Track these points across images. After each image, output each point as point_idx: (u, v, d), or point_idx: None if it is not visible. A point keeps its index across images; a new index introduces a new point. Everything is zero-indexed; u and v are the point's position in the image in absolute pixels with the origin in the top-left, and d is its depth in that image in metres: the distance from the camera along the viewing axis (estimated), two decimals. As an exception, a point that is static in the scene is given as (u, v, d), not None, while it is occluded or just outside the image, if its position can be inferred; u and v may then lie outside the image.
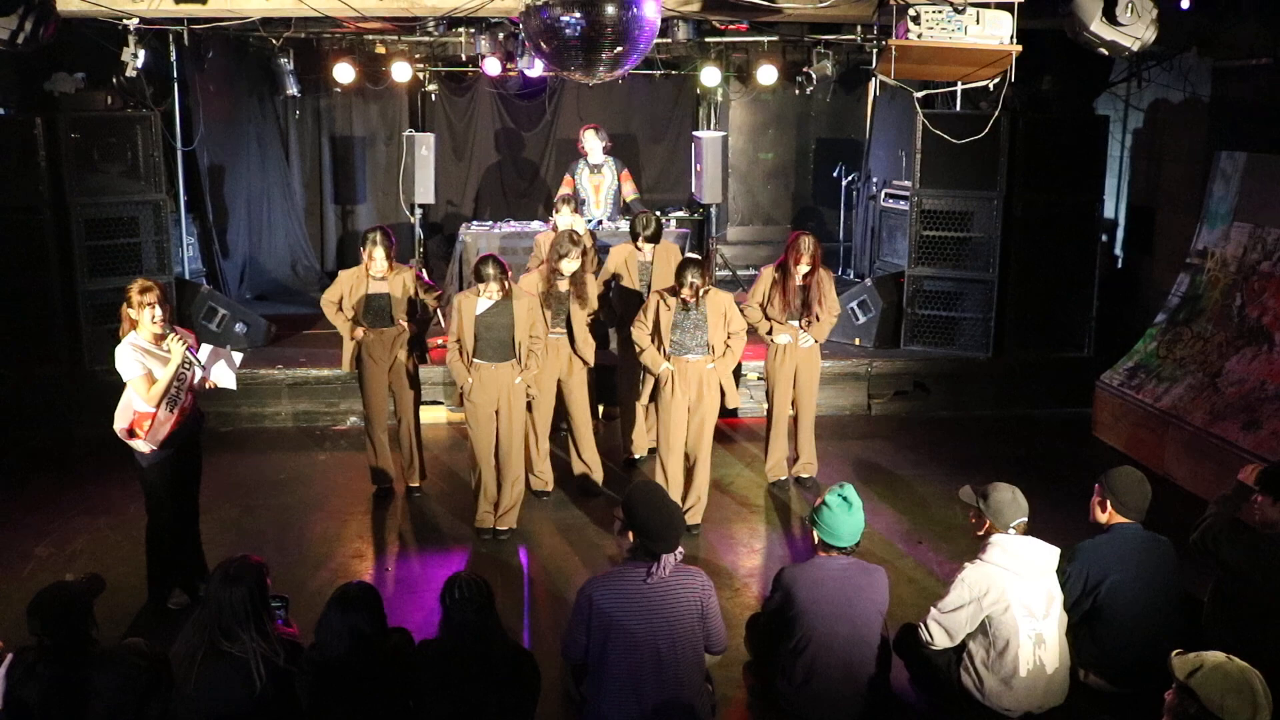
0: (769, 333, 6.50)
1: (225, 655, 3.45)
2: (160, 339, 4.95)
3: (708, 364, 5.91)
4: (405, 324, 6.31)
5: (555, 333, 6.35)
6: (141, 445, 4.94)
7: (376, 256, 6.15)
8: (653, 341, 5.94)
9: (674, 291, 5.87)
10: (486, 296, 5.77)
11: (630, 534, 3.87)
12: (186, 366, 4.97)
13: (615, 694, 3.75)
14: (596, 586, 3.83)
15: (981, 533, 4.19)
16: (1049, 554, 4.06)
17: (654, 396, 6.05)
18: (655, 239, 6.71)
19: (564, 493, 6.67)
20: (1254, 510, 4.34)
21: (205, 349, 5.09)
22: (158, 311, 4.89)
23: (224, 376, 5.15)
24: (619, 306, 6.89)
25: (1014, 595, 3.96)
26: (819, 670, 3.98)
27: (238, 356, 5.22)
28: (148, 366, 4.90)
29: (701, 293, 5.81)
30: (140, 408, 4.92)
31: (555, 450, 6.80)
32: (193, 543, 5.37)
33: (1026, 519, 4.12)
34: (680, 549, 3.87)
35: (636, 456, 7.10)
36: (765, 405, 6.84)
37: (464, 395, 5.95)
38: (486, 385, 5.86)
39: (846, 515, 4.07)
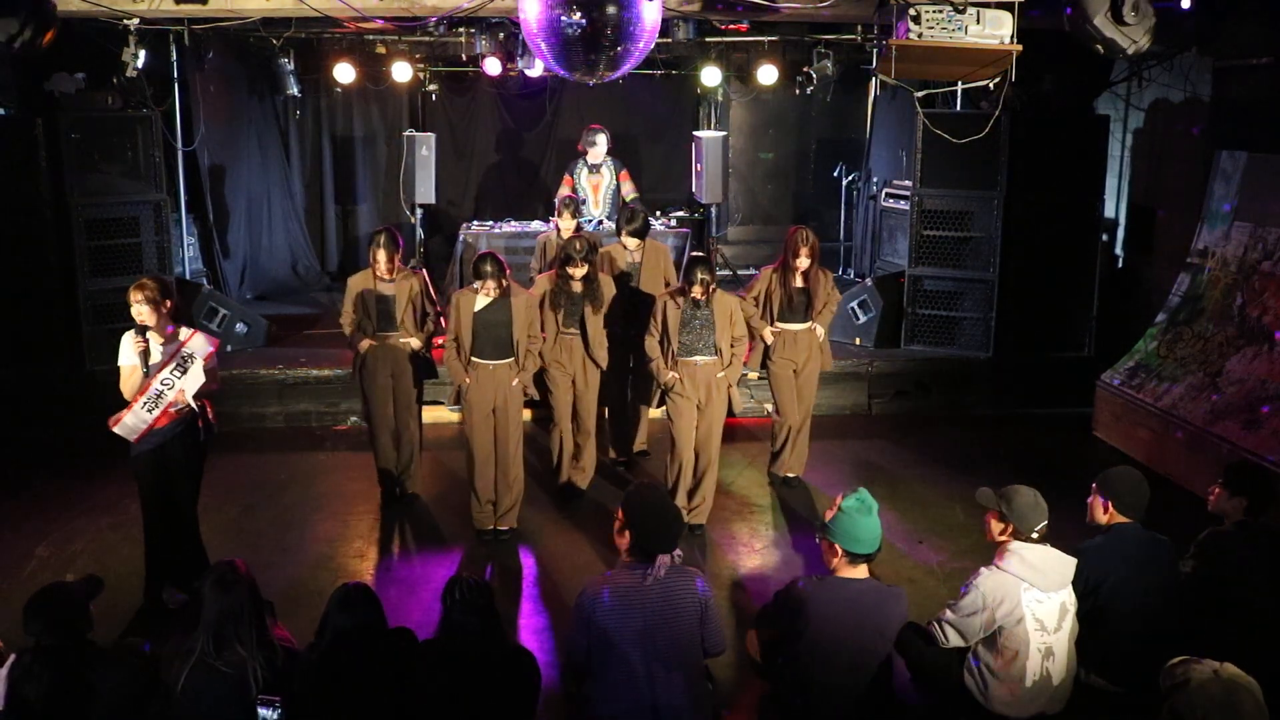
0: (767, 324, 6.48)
1: (215, 669, 3.41)
2: (165, 336, 5.00)
3: (718, 372, 5.92)
4: (410, 331, 6.25)
5: (568, 332, 6.35)
6: (120, 428, 4.97)
7: (380, 259, 6.12)
8: (662, 345, 5.94)
9: (681, 292, 5.88)
10: (485, 294, 5.77)
11: (628, 534, 3.87)
12: (177, 374, 4.97)
13: (615, 695, 3.74)
14: (595, 588, 3.82)
15: (999, 536, 4.08)
16: (1067, 566, 3.98)
17: (663, 401, 6.05)
18: (640, 234, 6.70)
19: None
20: (1209, 500, 4.53)
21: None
22: (145, 309, 4.93)
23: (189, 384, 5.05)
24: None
25: (1028, 608, 3.89)
26: (819, 686, 3.92)
27: (198, 375, 5.02)
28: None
29: (711, 289, 5.81)
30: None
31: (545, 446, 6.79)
32: (191, 543, 5.37)
33: (1047, 522, 4.05)
34: (679, 550, 3.86)
35: (617, 457, 7.12)
36: (764, 405, 6.83)
37: (461, 394, 5.95)
38: (484, 384, 5.86)
39: (866, 519, 3.89)
